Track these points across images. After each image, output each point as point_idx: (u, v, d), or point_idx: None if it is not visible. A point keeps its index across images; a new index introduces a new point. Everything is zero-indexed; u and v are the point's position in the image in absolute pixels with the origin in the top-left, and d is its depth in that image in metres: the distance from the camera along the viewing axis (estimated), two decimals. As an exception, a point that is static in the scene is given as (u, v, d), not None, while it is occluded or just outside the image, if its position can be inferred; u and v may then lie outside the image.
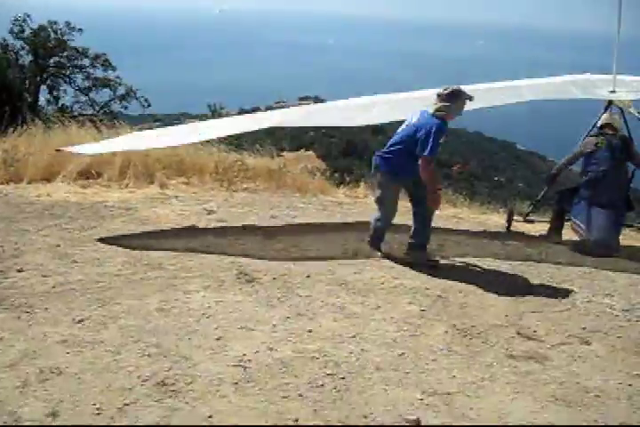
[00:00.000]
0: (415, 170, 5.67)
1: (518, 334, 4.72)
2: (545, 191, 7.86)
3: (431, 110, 5.79)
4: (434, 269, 5.90)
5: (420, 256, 6.06)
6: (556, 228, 7.51)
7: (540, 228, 7.92)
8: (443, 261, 6.23)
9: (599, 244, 6.91)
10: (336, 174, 12.00)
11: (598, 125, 7.40)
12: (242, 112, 74.32)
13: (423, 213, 6.00)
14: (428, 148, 5.59)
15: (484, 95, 6.98)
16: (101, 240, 6.29)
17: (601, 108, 7.60)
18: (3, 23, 26.76)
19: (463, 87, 6.03)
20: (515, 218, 7.84)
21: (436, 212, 6.26)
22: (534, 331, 4.79)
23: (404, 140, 5.79)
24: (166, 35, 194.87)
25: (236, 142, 12.33)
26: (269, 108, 76.08)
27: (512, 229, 7.84)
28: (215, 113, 22.66)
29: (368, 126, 71.43)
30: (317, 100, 75.58)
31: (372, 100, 7.66)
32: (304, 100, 73.69)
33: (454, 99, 5.79)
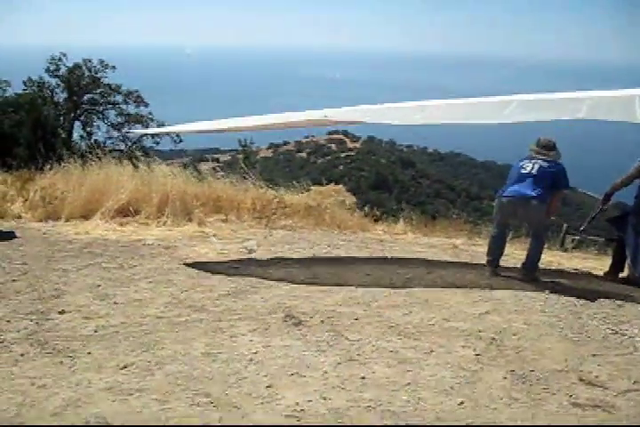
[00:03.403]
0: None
1: (580, 380, 4.47)
2: (598, 210, 7.61)
3: (550, 158, 6.95)
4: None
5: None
6: (617, 262, 7.30)
7: (585, 264, 7.78)
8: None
9: None
10: (366, 208, 11.77)
11: None
12: (272, 147, 75.37)
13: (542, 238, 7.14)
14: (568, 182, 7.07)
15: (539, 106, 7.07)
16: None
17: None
18: (40, 62, 27.33)
19: (514, 97, 6.99)
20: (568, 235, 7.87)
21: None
22: (597, 377, 4.53)
23: (543, 178, 6.84)
24: (190, 72, 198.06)
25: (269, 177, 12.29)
26: (299, 143, 77.04)
27: (559, 266, 7.67)
28: (246, 148, 22.64)
29: (398, 160, 71.86)
30: (346, 134, 76.23)
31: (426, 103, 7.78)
32: (333, 134, 74.36)
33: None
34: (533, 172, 6.88)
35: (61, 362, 4.39)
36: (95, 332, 4.92)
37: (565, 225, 8.16)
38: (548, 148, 7.05)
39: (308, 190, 10.96)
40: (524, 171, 6.95)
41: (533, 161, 6.98)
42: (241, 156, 24.01)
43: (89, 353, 4.53)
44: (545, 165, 6.89)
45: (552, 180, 6.86)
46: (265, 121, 8.34)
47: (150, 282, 6.18)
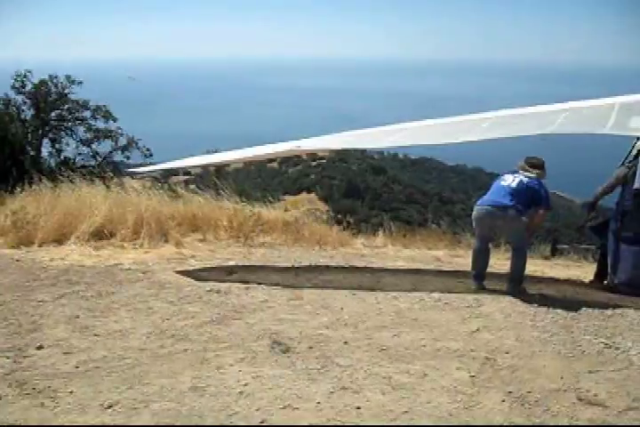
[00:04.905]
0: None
1: (579, 399, 4.36)
2: (586, 219, 7.62)
3: (532, 175, 6.93)
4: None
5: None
6: (602, 269, 7.30)
7: (568, 272, 7.77)
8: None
9: (624, 285, 6.78)
10: (344, 222, 11.71)
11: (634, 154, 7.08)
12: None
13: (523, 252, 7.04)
14: (549, 202, 7.03)
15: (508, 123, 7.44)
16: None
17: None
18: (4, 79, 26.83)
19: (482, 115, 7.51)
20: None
21: None
22: (595, 395, 4.42)
23: (521, 192, 6.80)
24: (155, 82, 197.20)
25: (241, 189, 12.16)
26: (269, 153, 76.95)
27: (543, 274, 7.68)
28: (218, 160, 22.34)
29: (369, 167, 72.31)
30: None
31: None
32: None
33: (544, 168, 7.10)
34: (513, 185, 6.88)
35: (42, 404, 4.15)
36: (76, 368, 4.70)
37: (555, 234, 8.24)
38: (533, 166, 7.04)
39: (281, 200, 10.89)
40: (503, 182, 6.98)
41: (516, 175, 7.00)
42: (212, 168, 23.76)
43: (71, 392, 4.31)
44: (525, 180, 6.89)
45: (531, 195, 6.82)
46: (245, 155, 9.10)
47: (130, 310, 5.96)
